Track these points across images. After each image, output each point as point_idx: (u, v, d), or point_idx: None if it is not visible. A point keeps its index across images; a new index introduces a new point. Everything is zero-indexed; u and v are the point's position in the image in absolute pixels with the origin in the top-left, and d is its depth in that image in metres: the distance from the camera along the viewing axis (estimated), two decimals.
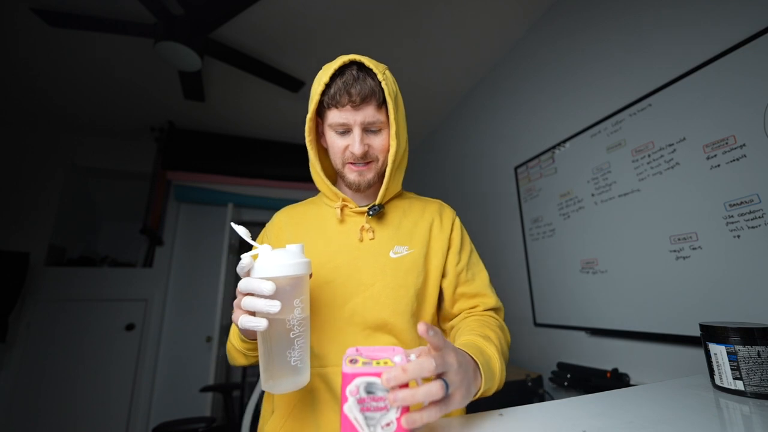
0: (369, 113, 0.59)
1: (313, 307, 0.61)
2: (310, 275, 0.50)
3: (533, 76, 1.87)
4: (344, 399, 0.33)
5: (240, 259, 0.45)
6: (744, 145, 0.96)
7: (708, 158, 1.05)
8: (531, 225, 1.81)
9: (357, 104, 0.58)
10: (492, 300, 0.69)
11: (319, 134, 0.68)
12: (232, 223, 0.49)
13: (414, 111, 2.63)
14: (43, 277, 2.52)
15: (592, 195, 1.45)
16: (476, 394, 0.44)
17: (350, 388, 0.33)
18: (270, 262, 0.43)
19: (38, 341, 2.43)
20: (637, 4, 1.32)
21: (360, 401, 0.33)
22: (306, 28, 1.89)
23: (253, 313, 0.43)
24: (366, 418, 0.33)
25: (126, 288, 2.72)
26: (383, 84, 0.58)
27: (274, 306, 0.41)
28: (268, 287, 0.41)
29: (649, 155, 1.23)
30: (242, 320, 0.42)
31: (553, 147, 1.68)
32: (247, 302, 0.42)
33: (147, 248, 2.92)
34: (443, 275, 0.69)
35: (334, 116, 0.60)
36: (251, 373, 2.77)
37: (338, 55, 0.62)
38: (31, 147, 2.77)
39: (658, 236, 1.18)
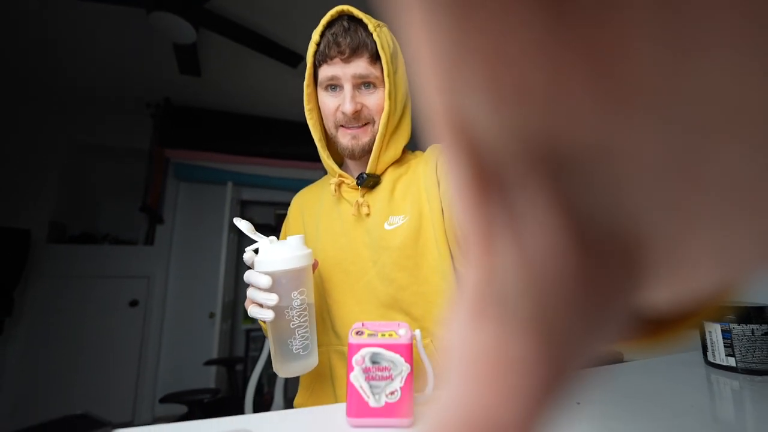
0: (361, 66, 0.53)
1: (327, 288, 0.61)
2: (316, 264, 0.50)
3: None
4: (350, 368, 0.34)
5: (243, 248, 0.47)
6: None
7: None
8: None
9: (346, 56, 0.53)
10: None
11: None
12: (235, 219, 0.49)
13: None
14: (45, 254, 2.54)
15: None
16: None
17: (356, 358, 0.34)
18: (266, 257, 0.44)
19: (44, 316, 2.47)
20: None
21: (365, 370, 0.34)
22: None
23: (260, 304, 0.45)
24: (371, 386, 0.34)
25: (128, 265, 2.74)
26: (375, 36, 0.52)
27: (270, 299, 0.42)
28: (264, 281, 0.42)
29: None
30: (251, 310, 0.45)
31: None
32: (249, 293, 0.45)
33: (147, 226, 2.93)
34: (444, 219, 0.56)
35: (324, 71, 0.55)
36: (254, 347, 2.84)
37: None
38: (28, 124, 2.72)
39: None
